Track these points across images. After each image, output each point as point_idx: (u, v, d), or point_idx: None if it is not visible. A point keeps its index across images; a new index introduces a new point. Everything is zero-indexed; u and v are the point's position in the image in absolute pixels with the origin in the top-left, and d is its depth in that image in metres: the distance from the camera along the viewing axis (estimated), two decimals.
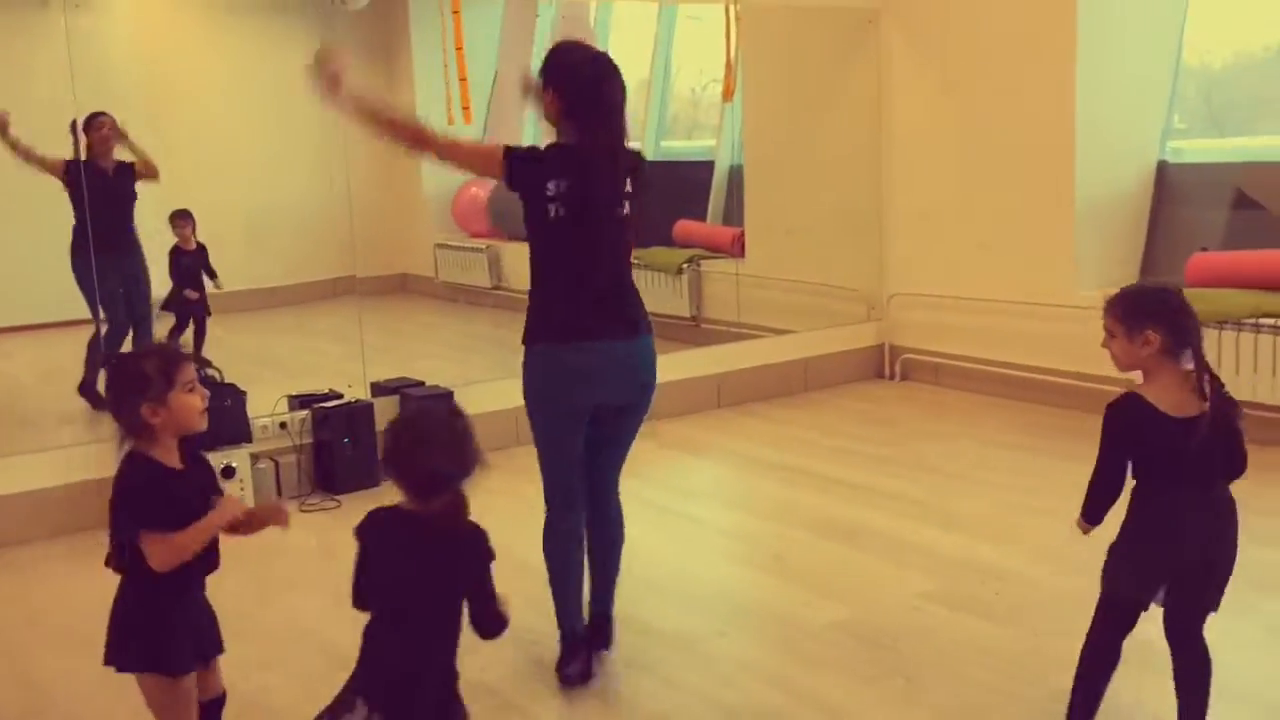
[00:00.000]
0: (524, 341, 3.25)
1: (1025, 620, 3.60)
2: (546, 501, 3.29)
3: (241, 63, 8.55)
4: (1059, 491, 4.68)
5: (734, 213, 7.89)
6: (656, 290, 7.70)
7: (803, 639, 3.57)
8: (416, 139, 3.08)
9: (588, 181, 3.05)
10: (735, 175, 7.97)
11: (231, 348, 6.52)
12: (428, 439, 2.27)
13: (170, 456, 2.42)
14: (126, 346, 5.93)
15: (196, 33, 8.47)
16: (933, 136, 6.67)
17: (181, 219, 6.64)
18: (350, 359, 5.77)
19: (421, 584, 2.24)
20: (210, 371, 5.21)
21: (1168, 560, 2.62)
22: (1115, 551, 2.67)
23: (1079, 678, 2.76)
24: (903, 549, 4.27)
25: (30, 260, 6.97)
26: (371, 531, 2.29)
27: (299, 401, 5.37)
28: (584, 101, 3.09)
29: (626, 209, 3.13)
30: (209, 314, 6.65)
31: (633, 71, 9.05)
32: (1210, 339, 5.32)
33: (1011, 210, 6.33)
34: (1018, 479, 5.03)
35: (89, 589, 2.78)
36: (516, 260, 9.10)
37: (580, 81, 3.10)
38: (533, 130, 9.75)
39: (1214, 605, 2.67)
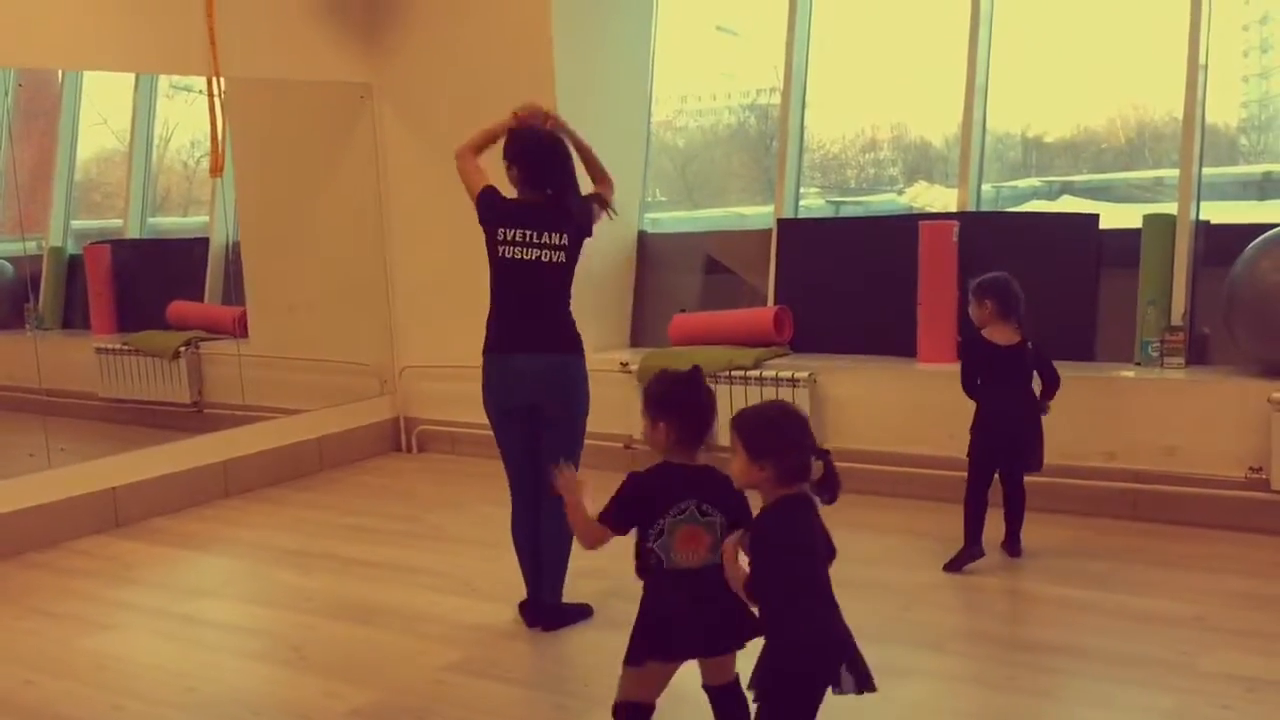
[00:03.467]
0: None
1: (548, 678, 3.68)
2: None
3: None
4: (576, 549, 4.90)
5: (234, 291, 7.54)
6: (150, 376, 7.17)
7: None
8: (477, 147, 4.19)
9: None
10: (233, 252, 7.63)
11: None
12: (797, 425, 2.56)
13: None
14: None
15: None
16: (429, 208, 6.77)
17: None
18: None
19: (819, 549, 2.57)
20: None
21: (998, 430, 4.42)
22: (973, 430, 4.46)
23: (967, 518, 4.43)
24: (424, 622, 4.23)
25: None
26: (796, 521, 2.51)
27: None
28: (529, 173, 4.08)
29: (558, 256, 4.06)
30: None
31: (110, 142, 8.44)
32: None
33: None
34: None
35: None
36: None
37: (526, 158, 4.08)
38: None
39: (1033, 465, 4.48)
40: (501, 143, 4.11)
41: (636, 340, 6.73)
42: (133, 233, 8.06)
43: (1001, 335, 4.42)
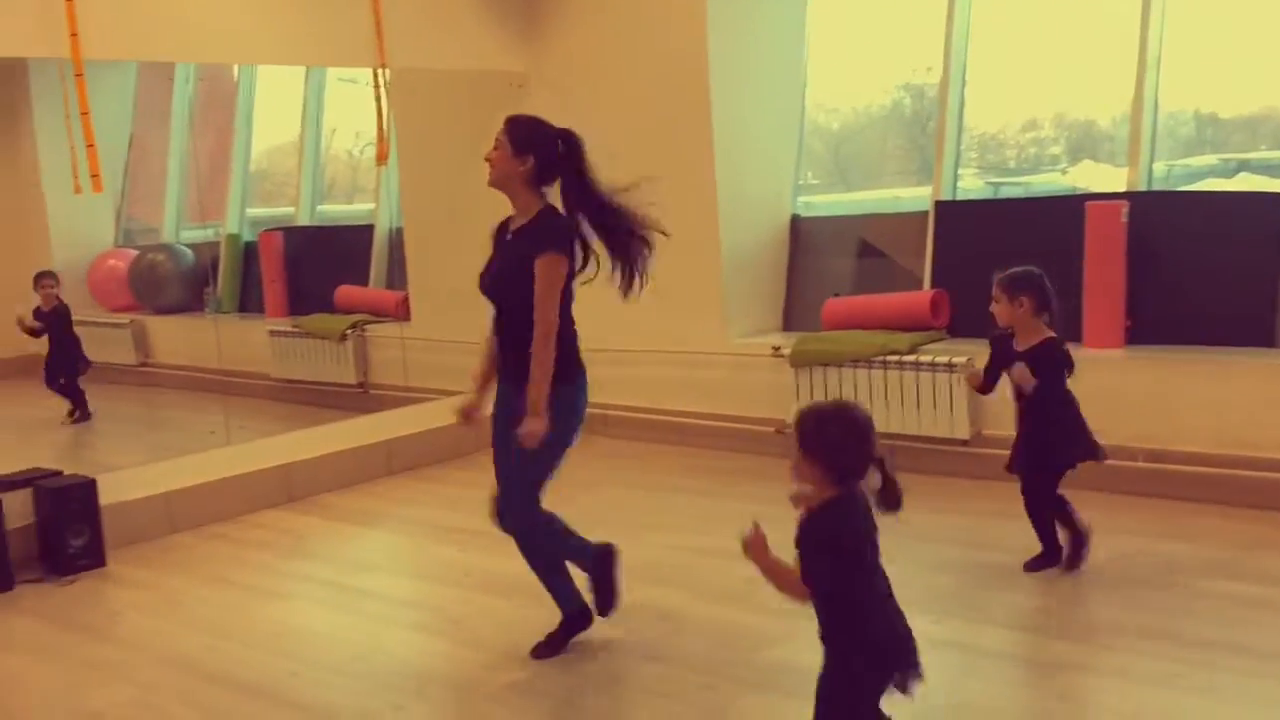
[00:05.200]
0: None
1: (699, 660, 3.71)
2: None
3: None
4: (727, 531, 4.92)
5: (397, 276, 7.80)
6: (319, 358, 7.48)
7: (482, 702, 3.52)
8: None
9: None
10: (396, 238, 7.89)
11: None
12: (859, 427, 2.51)
13: None
14: None
15: None
16: None
17: None
18: None
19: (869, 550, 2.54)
20: None
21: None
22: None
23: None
24: None
25: None
26: (863, 521, 2.49)
27: None
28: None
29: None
30: None
31: (282, 133, 8.81)
32: (845, 376, 5.80)
33: (663, 264, 6.57)
34: (685, 521, 5.22)
35: None
36: (164, 334, 8.60)
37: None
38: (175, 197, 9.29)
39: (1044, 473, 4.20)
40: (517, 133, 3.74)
41: (789, 324, 6.69)
42: (303, 220, 8.42)
43: (1033, 335, 4.14)
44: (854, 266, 6.60)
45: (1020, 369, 4.08)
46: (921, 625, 3.78)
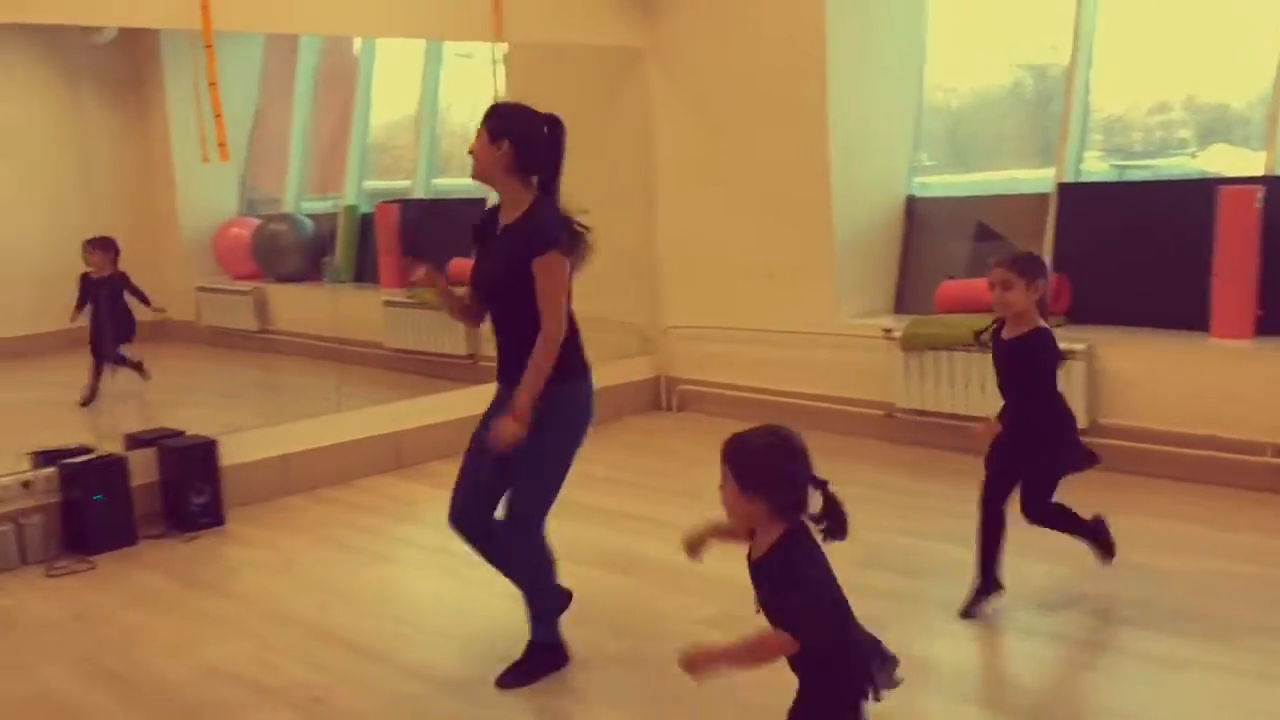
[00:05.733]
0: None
1: None
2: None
3: None
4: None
5: None
6: (433, 330, 7.59)
7: (581, 671, 3.55)
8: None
9: None
10: None
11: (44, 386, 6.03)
12: (799, 452, 2.37)
13: None
14: None
15: None
16: (698, 172, 6.86)
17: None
18: (103, 411, 5.43)
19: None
20: None
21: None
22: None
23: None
24: (681, 576, 4.30)
25: None
26: (812, 552, 2.37)
27: (44, 458, 5.00)
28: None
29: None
30: None
31: (399, 108, 8.94)
32: (956, 361, 5.68)
33: (775, 243, 6.56)
34: None
35: None
36: (284, 302, 8.82)
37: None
38: (299, 168, 9.50)
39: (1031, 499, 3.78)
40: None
41: (901, 307, 6.58)
42: (418, 193, 8.55)
43: (1025, 322, 3.70)
44: (970, 249, 6.46)
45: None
46: (1029, 619, 3.73)
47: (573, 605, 3.95)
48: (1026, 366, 3.69)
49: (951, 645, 3.65)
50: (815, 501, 2.37)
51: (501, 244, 3.40)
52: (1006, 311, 3.69)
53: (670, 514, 5.08)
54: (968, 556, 3.82)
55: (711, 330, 6.90)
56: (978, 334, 3.94)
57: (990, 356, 3.92)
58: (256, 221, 9.17)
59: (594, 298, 7.20)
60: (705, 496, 5.29)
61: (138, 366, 6.98)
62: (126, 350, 6.94)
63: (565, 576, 4.41)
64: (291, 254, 8.78)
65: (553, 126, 3.43)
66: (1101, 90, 6.24)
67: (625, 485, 5.58)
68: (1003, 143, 7.11)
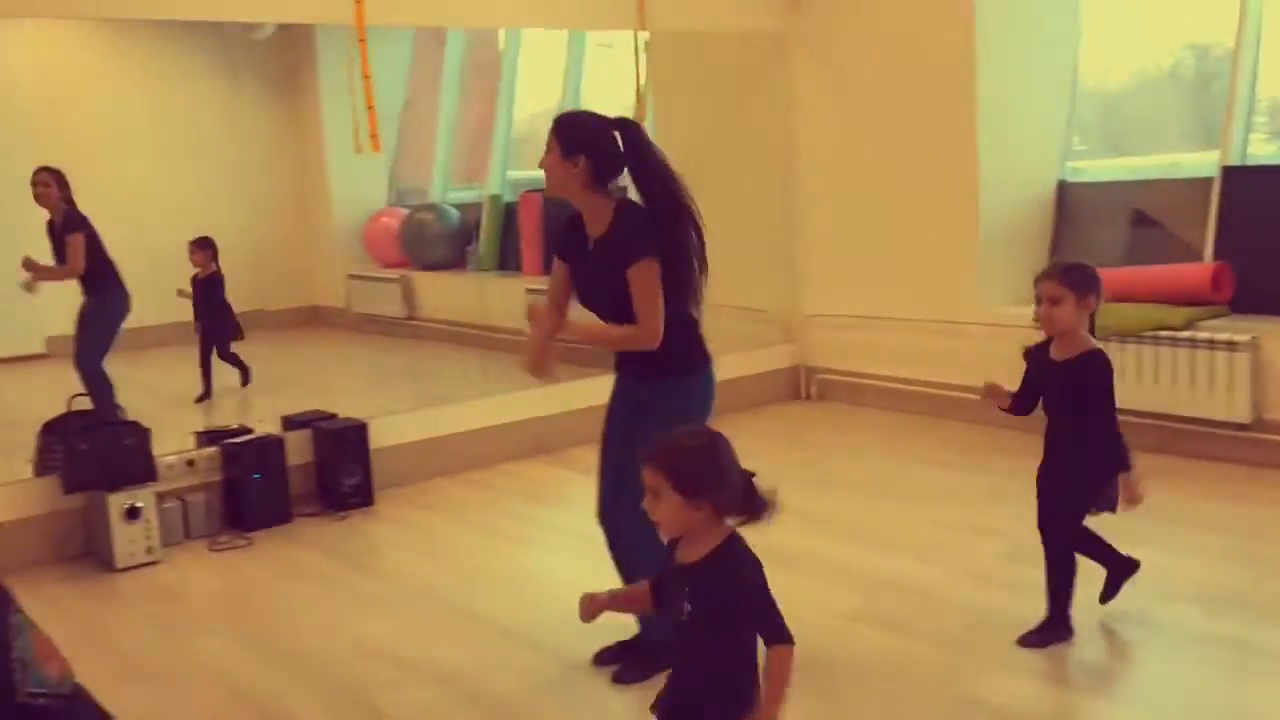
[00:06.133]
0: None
1: (946, 638, 3.62)
2: None
3: (147, 94, 8.40)
4: (977, 507, 4.79)
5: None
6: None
7: None
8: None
9: None
10: None
11: (139, 385, 6.35)
12: (729, 450, 2.29)
13: None
14: None
15: (102, 64, 8.31)
16: (841, 158, 6.77)
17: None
18: (260, 393, 5.66)
19: None
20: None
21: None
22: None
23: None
24: (824, 568, 4.29)
25: None
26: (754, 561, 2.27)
27: (207, 438, 5.24)
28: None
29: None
30: None
31: (544, 98, 9.06)
32: (1111, 351, 5.47)
33: (919, 229, 6.43)
34: (935, 495, 5.09)
35: None
36: (430, 290, 9.05)
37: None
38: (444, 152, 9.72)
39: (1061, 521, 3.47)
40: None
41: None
42: None
43: (1076, 343, 3.38)
44: (1125, 235, 6.23)
45: (1134, 484, 3.28)
46: (1192, 618, 3.59)
47: None
48: (1077, 392, 3.37)
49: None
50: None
51: (597, 260, 3.36)
52: (1052, 329, 3.39)
53: (808, 504, 5.05)
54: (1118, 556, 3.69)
55: (852, 318, 6.81)
56: (1026, 350, 3.58)
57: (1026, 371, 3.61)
58: (404, 211, 9.42)
59: (733, 286, 7.22)
60: (842, 486, 5.29)
61: (243, 368, 7.04)
62: (235, 349, 7.02)
63: None
64: (438, 243, 9.01)
65: (624, 129, 3.30)
66: (1269, 71, 5.94)
67: (763, 474, 5.55)
68: (1161, 126, 6.83)
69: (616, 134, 3.28)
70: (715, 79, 7.31)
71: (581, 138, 3.25)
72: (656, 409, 3.32)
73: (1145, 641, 3.54)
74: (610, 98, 8.61)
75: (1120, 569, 3.56)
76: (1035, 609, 3.50)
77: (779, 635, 2.25)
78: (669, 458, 2.23)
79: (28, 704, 1.81)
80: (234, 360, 7.01)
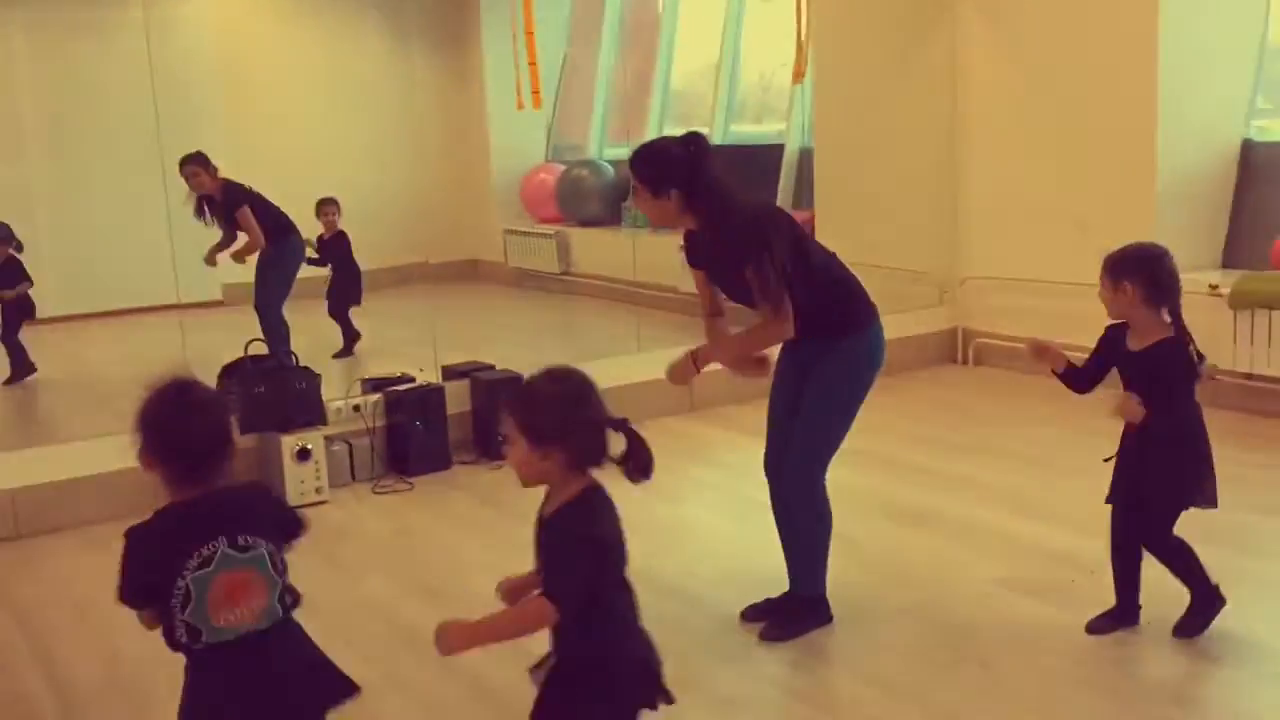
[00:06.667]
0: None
1: (1100, 609, 3.52)
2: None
3: (314, 54, 8.68)
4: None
5: (804, 196, 7.83)
6: None
7: (875, 624, 3.54)
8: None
9: None
10: (805, 158, 7.90)
11: (309, 333, 6.62)
12: (584, 396, 2.15)
13: None
14: None
15: (271, 25, 8.62)
16: (1008, 115, 6.55)
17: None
18: (422, 343, 5.83)
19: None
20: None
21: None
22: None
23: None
24: (976, 535, 4.22)
25: (116, 245, 7.15)
26: (605, 514, 2.20)
27: (372, 385, 5.44)
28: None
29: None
30: None
31: (702, 55, 9.01)
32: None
33: (1089, 190, 6.20)
34: (1093, 466, 4.92)
35: None
36: (585, 245, 9.15)
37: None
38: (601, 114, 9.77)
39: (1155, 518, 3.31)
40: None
41: (1230, 261, 6.08)
42: (717, 140, 8.61)
43: (1149, 332, 3.25)
44: None
45: (1127, 402, 3.20)
46: None
47: (861, 555, 3.94)
48: (1152, 381, 3.22)
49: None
50: (617, 444, 2.16)
51: (720, 264, 3.45)
52: (1112, 316, 3.34)
53: (961, 469, 4.97)
54: None
55: (1013, 281, 6.62)
56: (1107, 328, 3.45)
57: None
58: (561, 167, 9.53)
59: (891, 246, 7.12)
60: (998, 453, 5.19)
61: (351, 335, 7.05)
62: (354, 314, 7.08)
63: (853, 526, 4.40)
64: (593, 199, 9.09)
65: (688, 146, 3.31)
66: None
67: (917, 439, 5.48)
68: None
69: (686, 152, 3.30)
70: (878, 32, 7.15)
71: (665, 173, 3.30)
72: (823, 367, 3.42)
73: None
74: (769, 52, 8.52)
75: (1207, 603, 3.29)
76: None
77: (552, 590, 2.11)
78: (519, 403, 2.16)
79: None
80: (345, 323, 7.06)
